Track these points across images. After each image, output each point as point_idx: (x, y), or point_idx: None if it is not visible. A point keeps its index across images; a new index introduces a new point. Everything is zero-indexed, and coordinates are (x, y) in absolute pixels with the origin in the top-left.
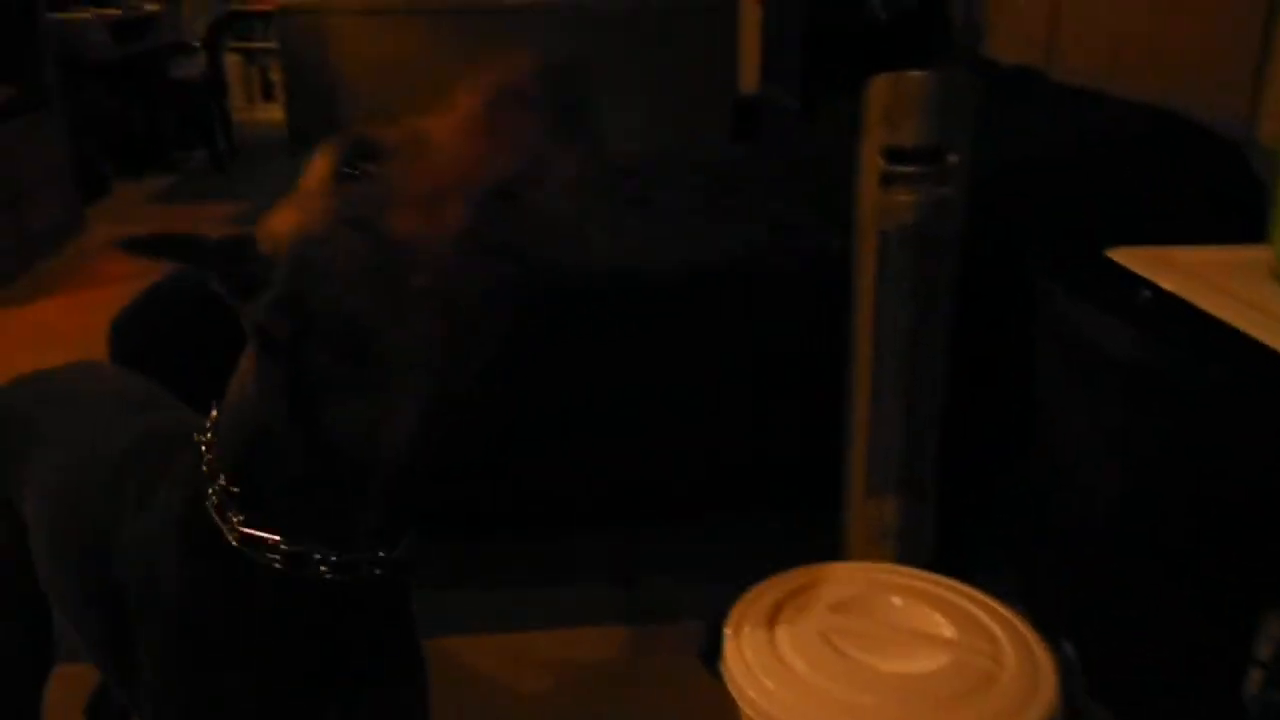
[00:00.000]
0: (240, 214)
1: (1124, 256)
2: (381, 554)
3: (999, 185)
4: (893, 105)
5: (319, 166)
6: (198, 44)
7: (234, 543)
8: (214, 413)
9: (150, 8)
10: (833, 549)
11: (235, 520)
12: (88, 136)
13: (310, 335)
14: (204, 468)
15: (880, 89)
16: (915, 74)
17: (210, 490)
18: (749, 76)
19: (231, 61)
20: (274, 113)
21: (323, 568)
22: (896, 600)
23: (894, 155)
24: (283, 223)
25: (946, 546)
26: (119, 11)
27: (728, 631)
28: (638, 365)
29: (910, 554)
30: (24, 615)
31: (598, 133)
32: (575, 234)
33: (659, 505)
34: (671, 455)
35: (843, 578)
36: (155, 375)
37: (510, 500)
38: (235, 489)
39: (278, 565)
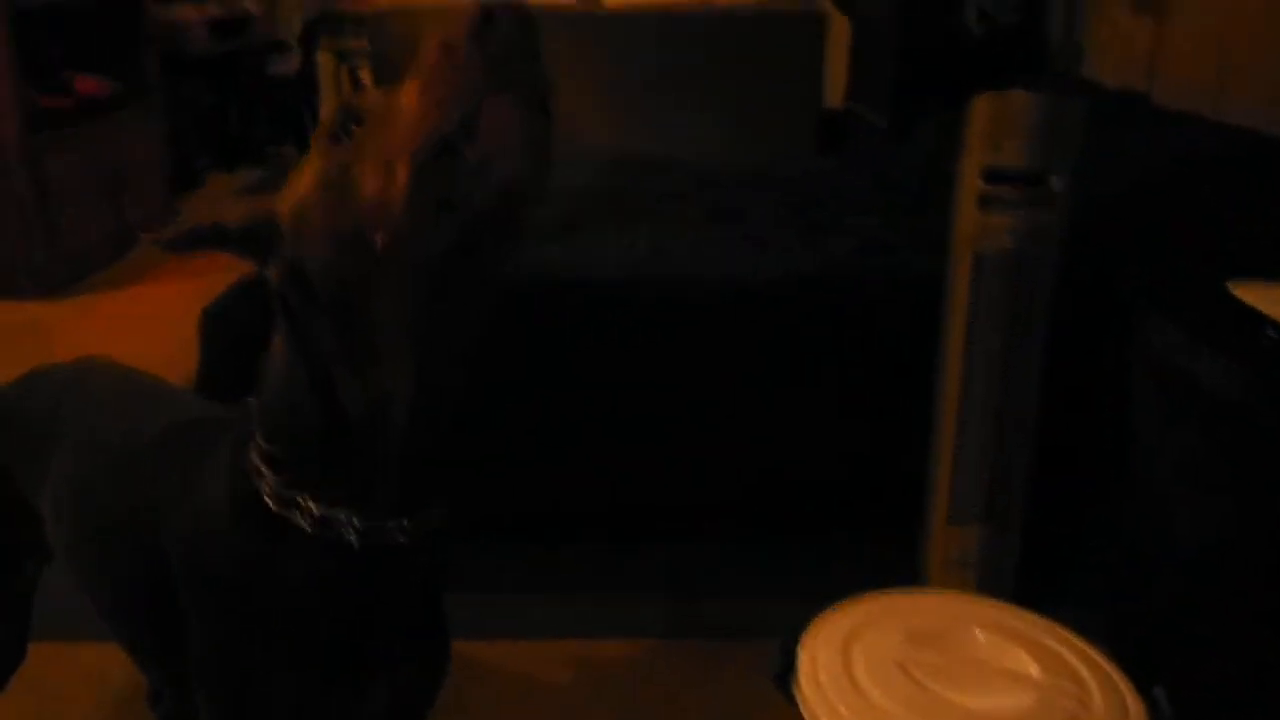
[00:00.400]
0: None
1: (1249, 293)
2: (406, 522)
3: (1098, 210)
4: (995, 126)
5: (318, 133)
6: (292, 43)
7: (272, 506)
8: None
9: (249, 6)
10: (909, 572)
11: (271, 483)
12: (184, 130)
13: (314, 302)
14: (247, 439)
15: (983, 109)
16: (1020, 94)
17: (252, 458)
18: (835, 91)
19: (323, 60)
20: None
21: (350, 533)
22: (978, 634)
23: (994, 176)
24: (290, 191)
25: (1030, 578)
26: (219, 10)
27: (801, 654)
28: (715, 376)
29: (991, 584)
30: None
31: (539, 76)
32: (514, 184)
33: (732, 520)
34: (747, 469)
35: (922, 607)
36: (243, 362)
37: (581, 507)
38: (272, 457)
39: (310, 530)
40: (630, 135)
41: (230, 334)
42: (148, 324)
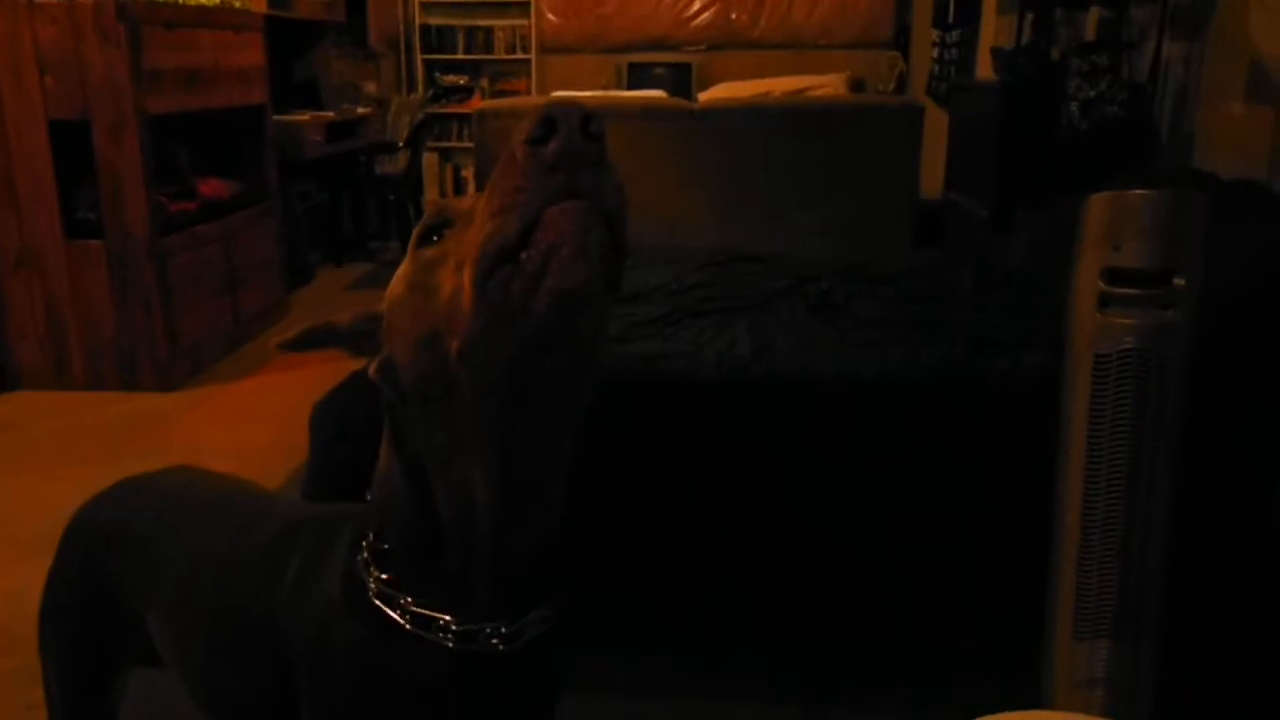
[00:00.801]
0: None
1: None
2: (504, 629)
3: (1223, 307)
4: (1114, 225)
5: (414, 235)
6: (400, 143)
7: (377, 602)
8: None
9: (361, 111)
10: (1033, 689)
11: (375, 579)
12: (297, 227)
13: (405, 400)
14: (362, 533)
15: (1100, 207)
16: (1140, 193)
17: (363, 553)
18: (932, 182)
19: (428, 159)
20: None
21: (445, 636)
22: None
23: (1114, 277)
24: (389, 291)
25: (1167, 699)
26: (333, 114)
27: None
28: (818, 477)
29: (1121, 707)
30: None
31: (605, 184)
32: (572, 293)
33: (839, 625)
34: (853, 572)
35: None
36: (350, 454)
37: (688, 609)
38: (378, 552)
39: (409, 629)
40: (727, 230)
41: (339, 427)
42: (259, 416)
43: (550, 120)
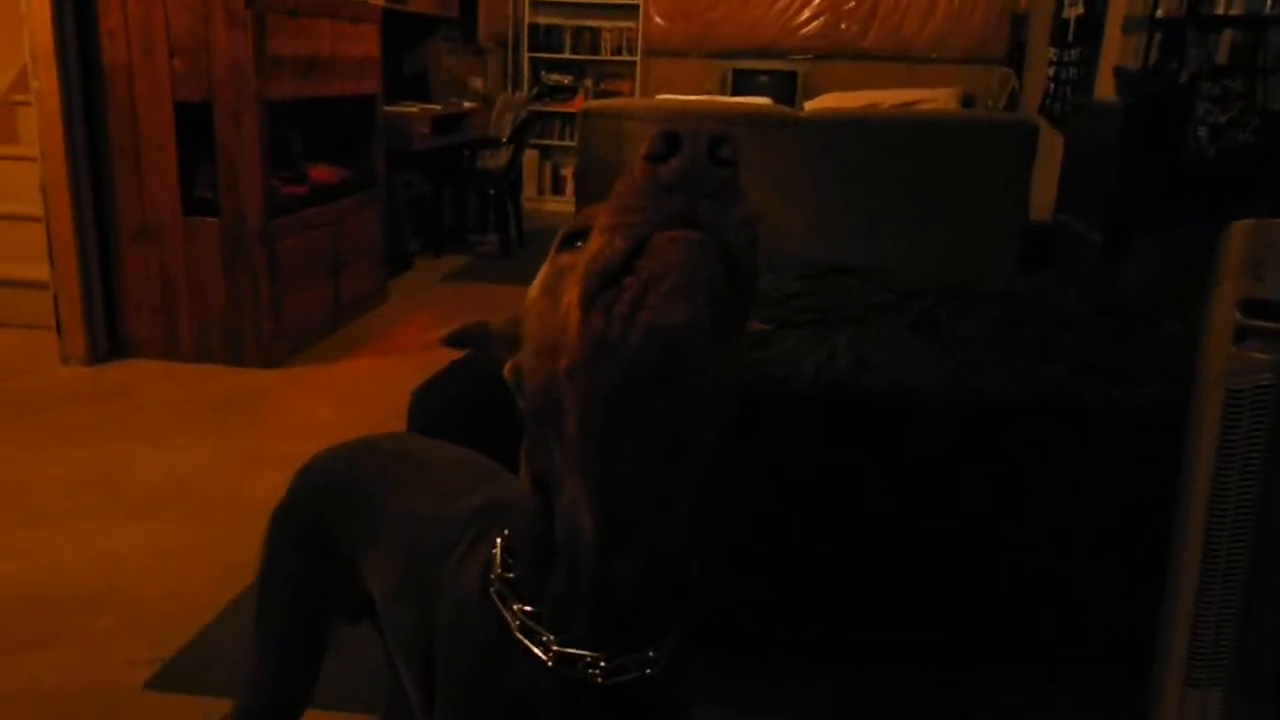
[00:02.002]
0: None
1: None
2: (602, 662)
3: None
4: (1258, 254)
5: (558, 238)
6: (503, 139)
7: (494, 596)
8: None
9: (467, 106)
10: None
11: (499, 579)
12: (399, 216)
13: (529, 409)
14: (501, 534)
15: (1243, 235)
16: None
17: (497, 551)
18: (1044, 204)
19: (528, 157)
20: (560, 206)
21: (547, 652)
22: None
23: (1252, 308)
24: (529, 293)
25: None
26: (440, 108)
27: None
28: (913, 499)
29: None
30: (309, 659)
31: (729, 215)
32: (668, 333)
33: (934, 651)
34: (946, 599)
35: None
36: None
37: (772, 625)
38: (508, 553)
39: (516, 632)
40: (831, 243)
41: (438, 417)
42: (356, 397)
43: (674, 138)
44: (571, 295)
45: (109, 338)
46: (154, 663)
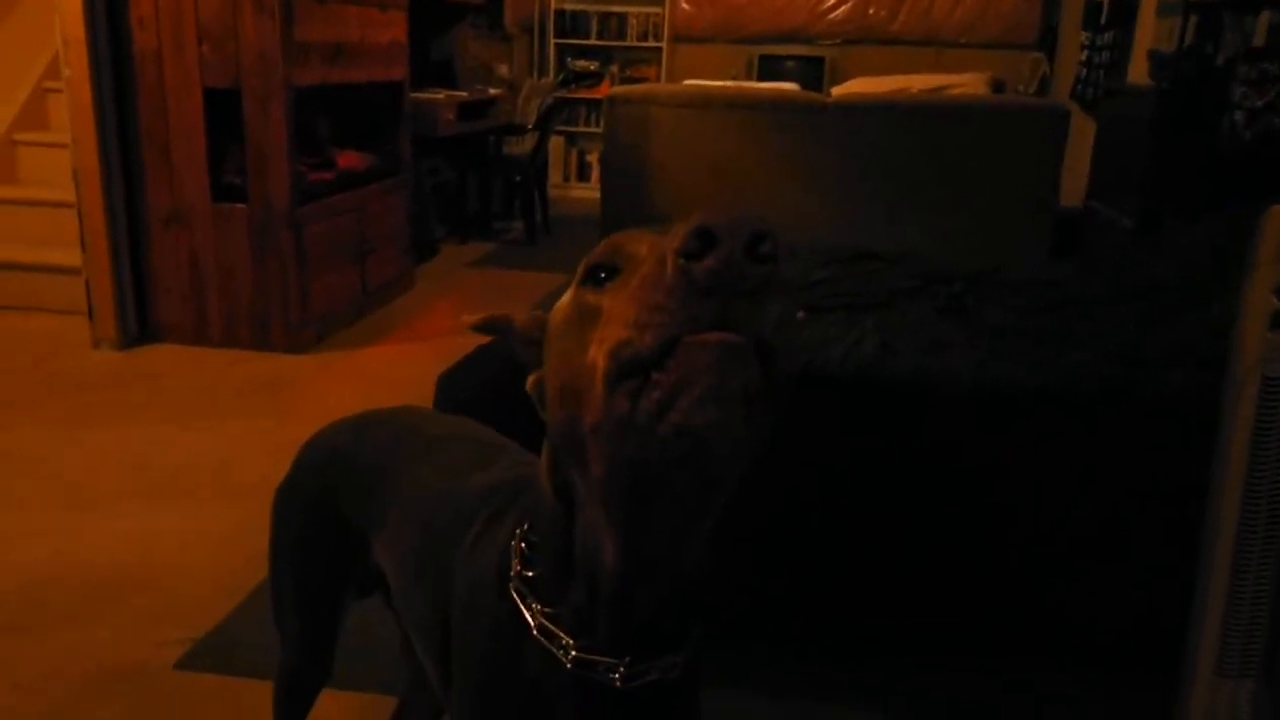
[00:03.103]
0: (543, 286)
1: None
2: (622, 668)
3: None
4: None
5: (581, 269)
6: (529, 126)
7: (513, 592)
8: None
9: (493, 92)
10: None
11: (517, 574)
12: (425, 203)
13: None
14: (524, 518)
15: (1278, 220)
16: None
17: (516, 541)
18: (1074, 190)
19: (554, 143)
20: (586, 193)
21: (566, 654)
22: None
23: None
24: (552, 317)
25: None
26: (466, 94)
27: None
28: (939, 485)
29: None
30: (325, 631)
31: (764, 320)
32: (696, 440)
33: (959, 643)
34: (971, 590)
35: None
36: None
37: (789, 610)
38: (526, 546)
39: (535, 631)
40: (859, 228)
41: (462, 399)
42: (382, 383)
43: (709, 235)
44: (596, 357)
45: (139, 323)
46: (184, 643)
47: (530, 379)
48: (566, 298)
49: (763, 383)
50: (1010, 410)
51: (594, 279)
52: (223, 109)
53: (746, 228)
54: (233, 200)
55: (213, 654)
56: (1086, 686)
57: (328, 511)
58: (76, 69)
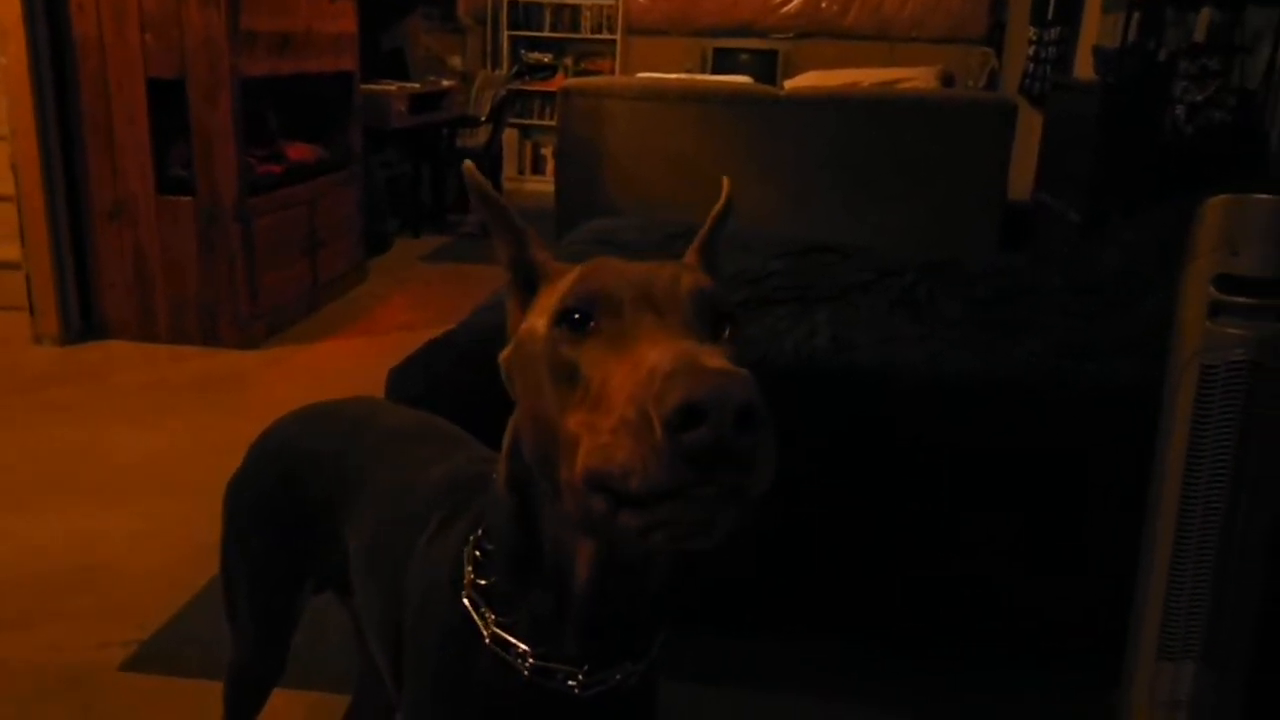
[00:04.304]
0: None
1: None
2: (581, 675)
3: None
4: (1233, 229)
5: (556, 305)
6: (482, 118)
7: (466, 602)
8: None
9: (446, 84)
10: (1106, 710)
11: (471, 580)
12: (378, 195)
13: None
14: (479, 520)
15: (1219, 210)
16: (1265, 198)
17: (470, 546)
18: (1022, 184)
19: (508, 136)
20: (541, 185)
21: (523, 663)
22: None
23: (1227, 284)
24: (520, 335)
25: None
26: (418, 86)
27: None
28: (890, 476)
29: None
30: (278, 628)
31: (758, 471)
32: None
33: (904, 632)
34: (919, 581)
35: None
36: None
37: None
38: (480, 552)
39: (488, 641)
40: (811, 221)
41: (413, 393)
42: (334, 378)
43: (697, 412)
44: (577, 438)
45: (82, 318)
46: (130, 644)
47: (503, 355)
48: (537, 331)
49: (742, 513)
50: (964, 401)
51: (570, 321)
52: (168, 99)
53: (734, 401)
54: (179, 193)
55: (160, 655)
56: (1044, 675)
57: (281, 504)
58: (14, 57)
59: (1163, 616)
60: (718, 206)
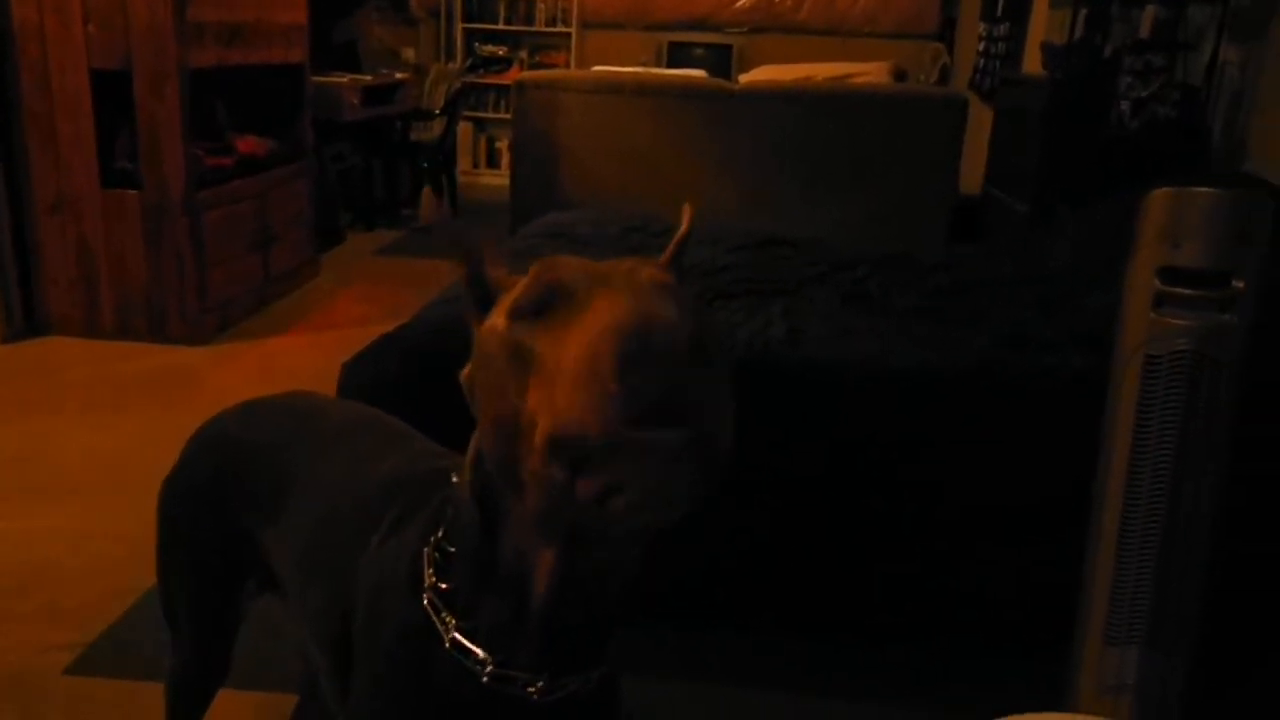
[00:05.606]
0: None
1: None
2: (539, 682)
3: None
4: (1176, 222)
5: (513, 297)
6: (436, 111)
7: (425, 606)
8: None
9: (399, 77)
10: (1055, 694)
11: (430, 583)
12: (330, 189)
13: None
14: (438, 522)
15: (1161, 203)
16: (1205, 190)
17: (429, 548)
18: (973, 177)
19: (462, 129)
20: (496, 179)
21: (482, 669)
22: None
23: (1170, 275)
24: (481, 334)
25: (1195, 714)
26: (371, 79)
27: None
28: (846, 467)
29: (1149, 715)
30: (219, 629)
31: (715, 405)
32: (640, 529)
33: (860, 622)
34: (871, 562)
35: None
36: None
37: (694, 591)
38: (440, 555)
39: (447, 645)
40: (760, 213)
41: (367, 391)
42: (286, 374)
43: (648, 351)
44: (534, 417)
45: (25, 314)
46: (74, 647)
47: (465, 371)
48: (497, 327)
49: (706, 473)
50: (916, 394)
51: (528, 312)
52: (113, 90)
53: (683, 335)
54: (124, 186)
55: (104, 658)
56: (998, 662)
57: (218, 502)
58: None
59: (1109, 602)
60: (681, 231)
